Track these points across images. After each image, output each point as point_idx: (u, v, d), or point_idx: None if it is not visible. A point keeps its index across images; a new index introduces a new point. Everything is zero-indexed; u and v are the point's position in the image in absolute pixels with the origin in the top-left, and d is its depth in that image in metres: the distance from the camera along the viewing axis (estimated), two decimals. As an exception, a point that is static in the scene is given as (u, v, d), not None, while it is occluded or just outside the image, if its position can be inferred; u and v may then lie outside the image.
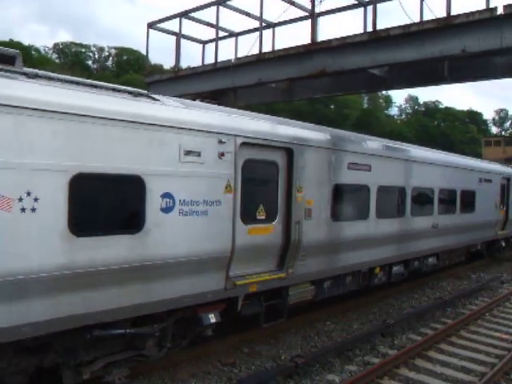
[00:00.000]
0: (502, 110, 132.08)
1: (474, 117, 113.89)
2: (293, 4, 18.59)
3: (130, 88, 7.70)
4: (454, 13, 14.13)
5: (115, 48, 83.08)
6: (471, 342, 10.80)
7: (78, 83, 6.80)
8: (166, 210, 7.12)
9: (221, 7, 19.87)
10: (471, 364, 9.46)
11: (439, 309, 13.47)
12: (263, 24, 19.76)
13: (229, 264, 8.20)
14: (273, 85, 20.65)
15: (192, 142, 7.47)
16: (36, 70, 6.74)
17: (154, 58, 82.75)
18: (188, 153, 7.41)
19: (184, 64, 29.53)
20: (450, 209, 16.42)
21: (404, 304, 14.04)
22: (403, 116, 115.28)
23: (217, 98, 20.14)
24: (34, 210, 5.75)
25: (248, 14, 20.45)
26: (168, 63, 63.51)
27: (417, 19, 15.01)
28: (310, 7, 18.03)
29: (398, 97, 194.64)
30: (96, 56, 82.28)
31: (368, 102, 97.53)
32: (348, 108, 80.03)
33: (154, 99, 7.53)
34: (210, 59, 21.55)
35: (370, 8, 16.31)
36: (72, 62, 73.74)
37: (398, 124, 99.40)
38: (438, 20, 14.36)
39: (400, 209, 13.43)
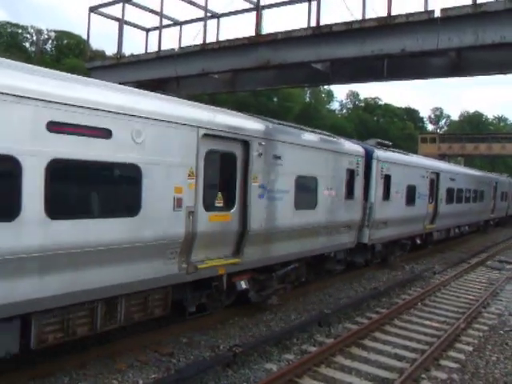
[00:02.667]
0: (437, 109, 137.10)
1: (411, 114, 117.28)
2: (238, -5, 18.58)
3: None
4: (394, 13, 14.58)
5: (55, 31, 79.77)
6: (404, 330, 11.22)
7: None
8: (419, 197, 19.67)
9: (165, -6, 19.61)
10: (403, 351, 9.84)
11: (374, 299, 13.89)
12: (208, 14, 19.64)
13: (424, 220, 20.87)
14: (216, 75, 20.58)
15: (423, 172, 20.21)
16: None
17: (96, 44, 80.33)
18: (422, 176, 20.01)
19: (127, 51, 28.95)
20: (475, 200, 29.68)
21: (341, 294, 14.39)
22: (344, 111, 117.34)
23: (160, 86, 19.90)
24: None
25: (193, 3, 20.25)
26: (111, 50, 61.87)
27: (359, 17, 15.35)
28: (255, -1, 18.08)
29: (340, 92, 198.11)
30: (34, 38, 78.71)
31: (310, 96, 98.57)
32: (290, 101, 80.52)
33: None
34: (153, 47, 21.23)
35: (314, 3, 16.52)
36: (7, 44, 70.24)
37: (338, 118, 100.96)
38: (378, 19, 14.73)
39: (461, 199, 26.16)
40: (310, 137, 12.46)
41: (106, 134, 7.09)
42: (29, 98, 6.17)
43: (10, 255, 6.06)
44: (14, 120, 6.06)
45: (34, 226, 6.28)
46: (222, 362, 8.47)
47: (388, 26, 14.53)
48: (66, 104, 6.57)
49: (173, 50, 19.81)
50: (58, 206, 6.62)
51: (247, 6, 19.07)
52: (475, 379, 8.77)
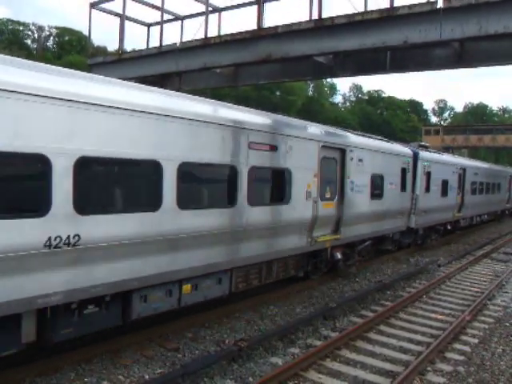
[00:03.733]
0: (441, 101, 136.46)
1: (415, 106, 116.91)
2: (240, -11, 18.49)
3: None
4: (397, 4, 14.49)
5: (56, 28, 79.67)
6: (409, 323, 11.21)
7: None
8: (450, 189, 23.30)
9: (166, -11, 19.54)
10: (408, 344, 9.83)
11: (379, 292, 13.87)
12: (210, 8, 19.56)
13: (454, 209, 24.46)
14: (218, 70, 20.53)
15: (453, 169, 23.81)
16: None
17: (97, 40, 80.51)
18: (453, 172, 23.69)
19: (129, 47, 28.86)
20: (493, 191, 33.40)
21: (345, 287, 14.37)
22: (347, 104, 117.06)
23: (162, 82, 19.86)
24: None
25: (194, -3, 20.20)
26: (112, 46, 61.81)
27: (361, 9, 15.27)
28: (256, -7, 17.98)
29: (343, 85, 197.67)
30: (35, 35, 78.63)
31: (313, 89, 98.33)
32: (293, 95, 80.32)
33: None
34: (155, 42, 21.20)
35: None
36: (9, 41, 70.15)
37: (342, 111, 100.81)
38: (380, 10, 14.65)
39: (482, 191, 29.80)
40: (378, 143, 16.17)
41: (275, 148, 10.53)
42: (245, 128, 9.69)
43: (228, 229, 9.46)
44: (235, 142, 9.50)
45: (242, 211, 9.76)
46: (227, 356, 8.48)
47: (390, 17, 14.46)
48: (257, 130, 10.05)
49: (174, 44, 19.76)
50: (253, 198, 10.00)
51: (249, -1, 19.00)
52: (481, 371, 8.75)
